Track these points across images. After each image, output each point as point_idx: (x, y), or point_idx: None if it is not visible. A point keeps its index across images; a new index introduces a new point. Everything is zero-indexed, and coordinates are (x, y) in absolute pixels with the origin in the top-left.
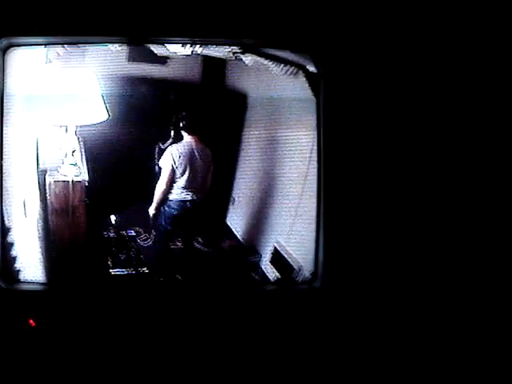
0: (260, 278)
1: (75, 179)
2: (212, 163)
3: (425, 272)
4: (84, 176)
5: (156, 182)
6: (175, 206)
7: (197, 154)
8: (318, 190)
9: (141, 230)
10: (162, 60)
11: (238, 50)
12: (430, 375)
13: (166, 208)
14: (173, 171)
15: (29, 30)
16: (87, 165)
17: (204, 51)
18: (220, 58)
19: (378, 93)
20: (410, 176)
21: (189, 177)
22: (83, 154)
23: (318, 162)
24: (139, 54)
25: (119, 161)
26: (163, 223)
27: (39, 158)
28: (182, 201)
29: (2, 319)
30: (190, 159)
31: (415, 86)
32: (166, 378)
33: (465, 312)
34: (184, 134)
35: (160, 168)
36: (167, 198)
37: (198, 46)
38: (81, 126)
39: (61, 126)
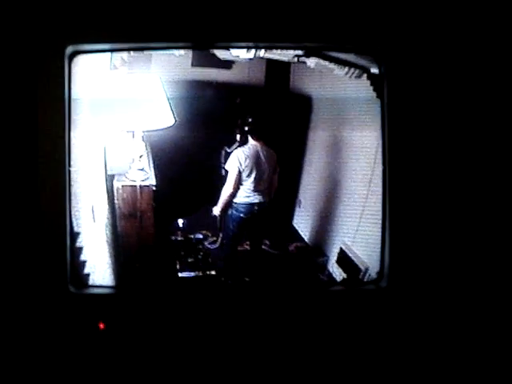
0: (327, 279)
1: (143, 184)
2: (277, 165)
3: (493, 272)
4: (151, 180)
5: (223, 186)
6: (243, 209)
7: (262, 156)
8: (384, 191)
9: (208, 233)
10: (226, 64)
11: (302, 54)
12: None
13: (234, 211)
14: (239, 174)
15: (94, 36)
16: (154, 169)
17: (267, 55)
18: (283, 61)
19: (442, 93)
20: (476, 177)
21: (255, 179)
22: (150, 158)
23: (383, 163)
24: (203, 58)
25: (186, 165)
26: (231, 226)
27: (107, 164)
28: (249, 204)
29: (72, 323)
30: (256, 162)
31: (481, 87)
32: (233, 380)
33: None
34: (249, 137)
35: (226, 171)
36: (234, 201)
37: (261, 49)
38: (148, 132)
39: (128, 132)
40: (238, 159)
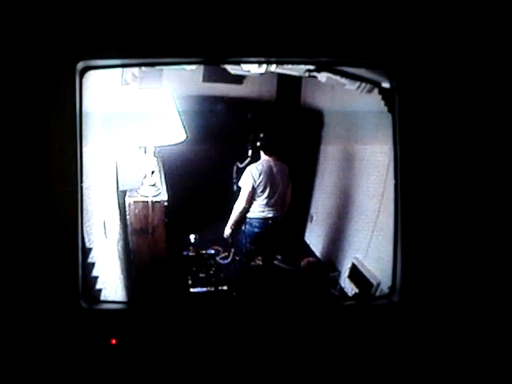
0: (339, 294)
1: (154, 199)
2: (290, 180)
3: (508, 288)
4: (163, 196)
5: (234, 201)
6: (257, 224)
7: (275, 171)
8: (396, 206)
9: (220, 248)
10: (237, 79)
11: (313, 68)
12: None
13: (248, 226)
14: (253, 190)
15: (105, 52)
16: (166, 185)
17: (278, 69)
18: (295, 76)
19: (454, 107)
20: (490, 191)
21: (269, 194)
22: (162, 174)
23: (395, 178)
24: (214, 73)
25: (198, 180)
26: (244, 241)
27: (119, 180)
28: (263, 218)
29: (83, 339)
30: (270, 177)
31: (494, 102)
32: None
33: None
34: (261, 152)
35: (239, 187)
36: (249, 216)
37: (272, 64)
38: (159, 147)
39: (140, 147)
40: (252, 175)
